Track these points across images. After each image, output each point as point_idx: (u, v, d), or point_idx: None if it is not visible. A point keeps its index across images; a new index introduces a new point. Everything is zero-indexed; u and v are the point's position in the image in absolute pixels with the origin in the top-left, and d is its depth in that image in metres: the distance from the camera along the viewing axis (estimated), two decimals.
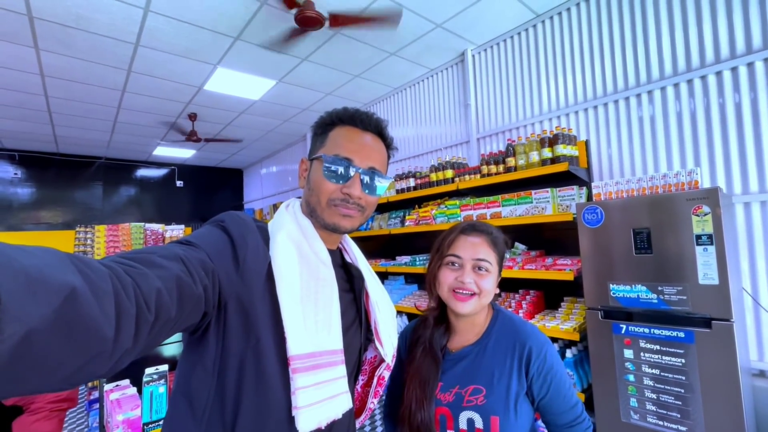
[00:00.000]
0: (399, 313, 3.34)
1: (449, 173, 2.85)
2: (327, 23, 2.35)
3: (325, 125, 0.79)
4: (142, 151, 6.13)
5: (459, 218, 2.70)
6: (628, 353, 1.78)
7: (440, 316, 1.00)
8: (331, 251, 0.80)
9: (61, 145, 5.61)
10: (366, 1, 2.43)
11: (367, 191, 0.75)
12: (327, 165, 0.73)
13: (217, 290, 0.59)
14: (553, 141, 2.25)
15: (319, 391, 0.65)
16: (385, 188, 0.80)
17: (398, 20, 2.46)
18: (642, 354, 1.74)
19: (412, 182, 3.13)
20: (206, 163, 7.43)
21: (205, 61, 3.22)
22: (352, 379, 0.81)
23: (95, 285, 0.36)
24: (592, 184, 2.04)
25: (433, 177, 2.94)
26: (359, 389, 0.86)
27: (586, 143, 2.33)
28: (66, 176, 6.15)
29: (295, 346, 0.63)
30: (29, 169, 5.84)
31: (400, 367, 0.99)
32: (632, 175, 2.26)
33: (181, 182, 7.28)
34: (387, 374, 0.85)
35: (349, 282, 0.82)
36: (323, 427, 0.66)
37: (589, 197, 2.21)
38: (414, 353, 0.96)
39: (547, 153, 2.26)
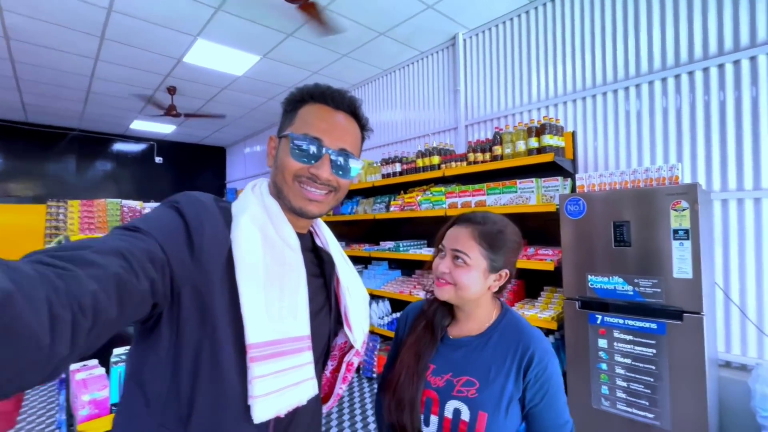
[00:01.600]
0: (381, 298, 3.34)
1: (436, 159, 2.82)
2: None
3: (295, 102, 0.74)
4: (119, 125, 5.87)
5: (444, 205, 2.69)
6: (602, 342, 1.83)
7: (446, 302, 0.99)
8: (300, 235, 0.77)
9: (30, 114, 5.32)
10: None
11: (338, 173, 0.72)
12: (295, 144, 0.69)
13: (168, 280, 0.55)
14: (540, 131, 2.24)
15: (280, 379, 0.63)
16: (357, 170, 0.76)
17: (333, 33, 2.61)
18: (615, 344, 1.79)
19: (398, 167, 3.08)
20: (187, 140, 7.19)
21: (185, 32, 3.05)
22: (320, 365, 0.80)
23: (27, 291, 0.34)
24: (577, 176, 2.04)
25: (420, 163, 2.90)
26: (328, 374, 0.85)
27: (573, 134, 2.32)
28: (36, 147, 5.86)
29: (254, 334, 0.61)
30: None
31: (399, 343, 0.99)
32: (616, 168, 2.28)
33: (161, 158, 7.03)
34: (356, 360, 0.83)
35: (320, 267, 0.80)
36: (283, 415, 0.65)
37: (573, 189, 2.22)
38: (415, 327, 0.96)
39: (533, 143, 2.25)
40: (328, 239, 0.83)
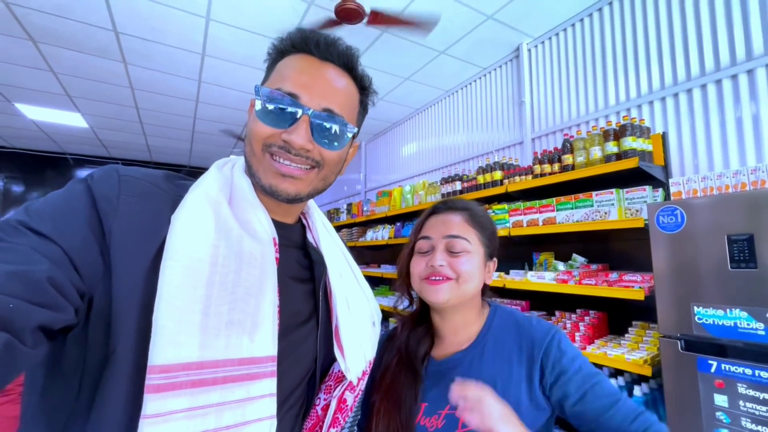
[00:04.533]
0: None
1: (498, 175, 2.58)
2: (366, 20, 2.31)
3: (275, 53, 0.60)
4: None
5: (507, 224, 2.41)
6: (721, 400, 1.36)
7: (420, 317, 0.80)
8: (284, 225, 0.63)
9: (154, 154, 6.39)
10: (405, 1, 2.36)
11: (321, 141, 0.56)
12: (264, 102, 0.54)
13: (72, 291, 0.42)
14: (619, 133, 1.89)
15: (197, 420, 0.44)
16: (348, 140, 0.60)
17: (432, 27, 2.39)
18: (742, 403, 1.31)
19: (458, 185, 2.91)
20: None
21: (262, 68, 3.40)
22: (299, 399, 0.62)
23: None
24: (671, 181, 1.65)
25: (480, 179, 2.69)
26: (319, 412, 0.63)
27: (663, 136, 1.92)
28: None
29: (163, 351, 0.43)
30: None
31: (368, 392, 0.78)
32: (726, 168, 1.80)
33: None
34: (350, 396, 0.64)
35: (310, 269, 0.65)
36: None
37: (667, 200, 1.80)
38: (387, 366, 0.76)
39: (612, 147, 1.91)
40: (320, 234, 0.68)
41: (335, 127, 0.57)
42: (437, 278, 0.71)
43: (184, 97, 3.98)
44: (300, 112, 0.54)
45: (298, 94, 0.55)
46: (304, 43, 0.58)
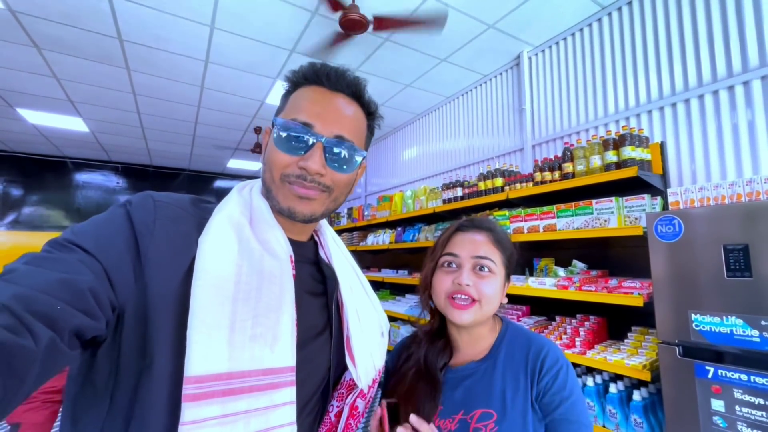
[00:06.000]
0: None
1: (499, 181, 2.62)
2: (371, 27, 2.34)
3: (290, 86, 0.65)
4: (218, 164, 6.75)
5: (508, 230, 2.45)
6: (717, 404, 1.40)
7: (438, 330, 0.84)
8: (299, 243, 0.67)
9: (154, 158, 6.40)
10: (413, 4, 2.40)
11: (332, 166, 0.60)
12: (281, 131, 0.59)
13: (107, 305, 0.46)
14: (619, 143, 1.94)
15: (228, 427, 0.48)
16: (357, 163, 0.64)
17: (443, 23, 2.37)
18: (738, 408, 1.35)
19: (459, 192, 2.94)
20: None
21: (266, 75, 3.44)
22: (316, 406, 0.66)
23: None
24: (669, 191, 1.69)
25: (482, 186, 2.73)
26: (332, 419, 0.67)
27: (662, 145, 1.97)
28: (158, 186, 6.97)
29: (197, 364, 0.47)
30: (129, 179, 6.75)
31: (384, 394, 0.82)
32: (723, 179, 1.85)
33: None
34: (361, 404, 0.68)
35: (323, 283, 0.68)
36: None
37: (665, 208, 1.84)
38: (404, 375, 0.80)
39: (611, 156, 1.96)
40: (332, 251, 0.71)
41: (346, 152, 0.62)
42: (462, 297, 0.74)
43: (186, 102, 4.00)
44: (314, 139, 0.59)
45: (312, 123, 0.59)
46: (316, 76, 0.63)
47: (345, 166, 0.62)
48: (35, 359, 0.36)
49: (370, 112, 0.68)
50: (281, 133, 0.59)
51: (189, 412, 0.46)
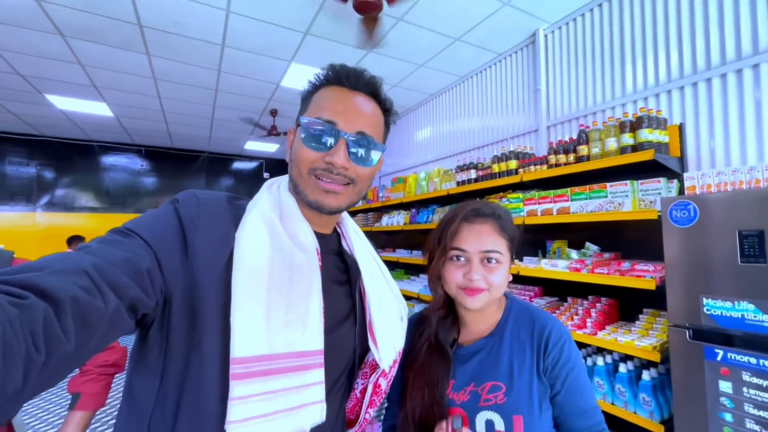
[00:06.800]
0: None
1: (513, 164, 2.61)
2: (385, 5, 2.31)
3: (312, 87, 0.69)
4: (235, 146, 6.87)
5: (522, 213, 2.46)
6: (725, 386, 1.43)
7: (447, 310, 0.90)
8: (323, 236, 0.72)
9: (175, 141, 6.56)
10: None
11: (355, 160, 0.65)
12: (307, 130, 0.63)
13: (158, 287, 0.52)
14: (635, 125, 1.90)
15: (270, 403, 0.54)
16: (378, 158, 0.69)
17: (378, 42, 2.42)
18: (745, 390, 1.38)
19: (473, 174, 2.94)
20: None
21: (281, 58, 3.45)
22: (345, 383, 0.72)
23: None
24: (685, 175, 1.67)
25: (496, 168, 2.72)
26: (358, 395, 0.74)
27: (680, 127, 1.91)
28: (179, 168, 7.18)
29: (242, 346, 0.53)
30: (152, 161, 6.95)
31: (400, 370, 0.88)
32: (742, 164, 1.79)
33: (267, 174, 7.97)
34: (383, 382, 0.74)
35: (347, 272, 0.73)
36: None
37: (681, 192, 1.82)
38: (416, 351, 0.86)
39: (627, 139, 1.92)
40: (353, 241, 0.77)
41: (368, 147, 0.66)
42: (475, 288, 0.80)
43: (204, 86, 4.07)
44: (338, 136, 0.64)
45: (335, 120, 0.64)
46: (336, 77, 0.67)
47: (367, 160, 0.67)
48: (104, 319, 0.42)
49: (386, 109, 0.73)
50: (307, 131, 0.64)
51: (237, 389, 0.52)
